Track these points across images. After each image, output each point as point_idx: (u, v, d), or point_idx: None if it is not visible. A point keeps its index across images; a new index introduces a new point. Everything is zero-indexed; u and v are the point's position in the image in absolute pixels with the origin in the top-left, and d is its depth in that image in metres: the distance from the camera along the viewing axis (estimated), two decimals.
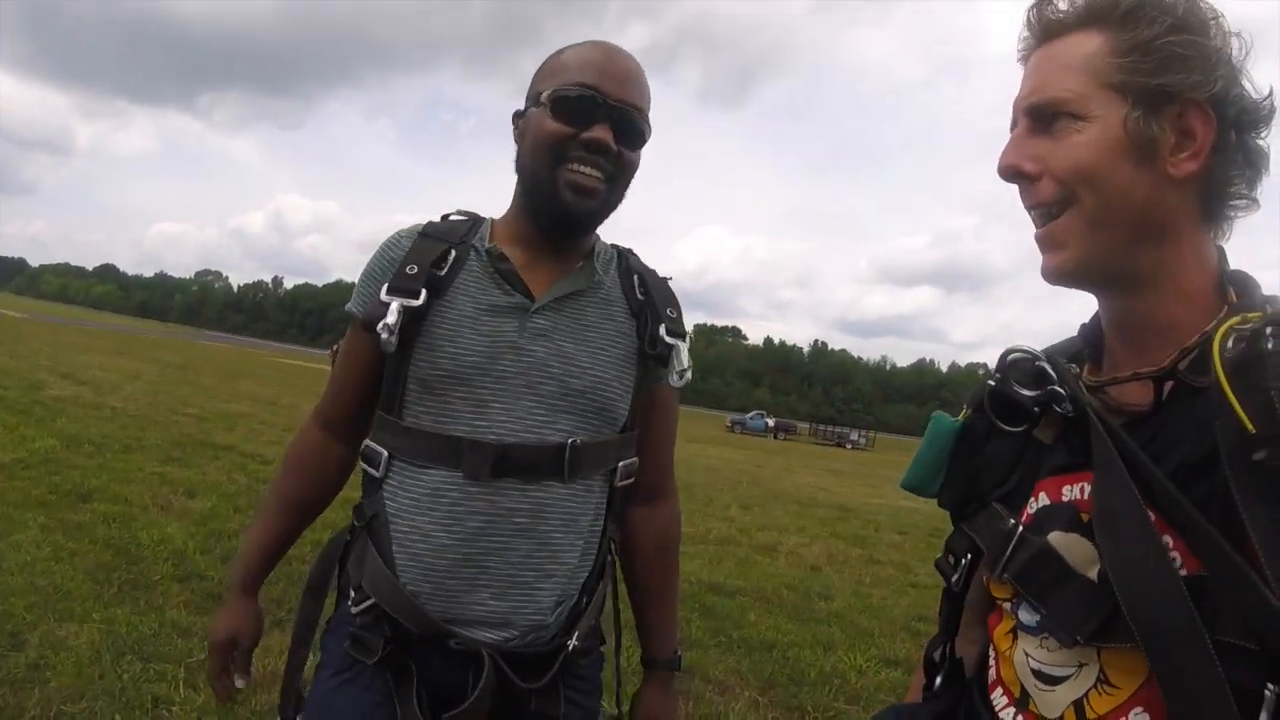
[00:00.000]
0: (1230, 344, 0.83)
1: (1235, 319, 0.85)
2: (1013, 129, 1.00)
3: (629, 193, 1.50)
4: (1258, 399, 0.76)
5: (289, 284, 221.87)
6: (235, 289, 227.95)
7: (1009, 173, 0.98)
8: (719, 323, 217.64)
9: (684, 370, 1.50)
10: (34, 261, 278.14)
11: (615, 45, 1.48)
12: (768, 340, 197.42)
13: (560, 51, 1.48)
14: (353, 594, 1.45)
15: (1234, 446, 0.78)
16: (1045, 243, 0.97)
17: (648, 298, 1.55)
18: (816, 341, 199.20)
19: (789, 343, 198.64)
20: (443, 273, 1.43)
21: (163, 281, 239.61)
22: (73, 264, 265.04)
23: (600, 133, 1.38)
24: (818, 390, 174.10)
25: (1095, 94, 0.91)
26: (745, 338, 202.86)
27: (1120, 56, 0.91)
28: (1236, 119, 0.91)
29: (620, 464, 1.53)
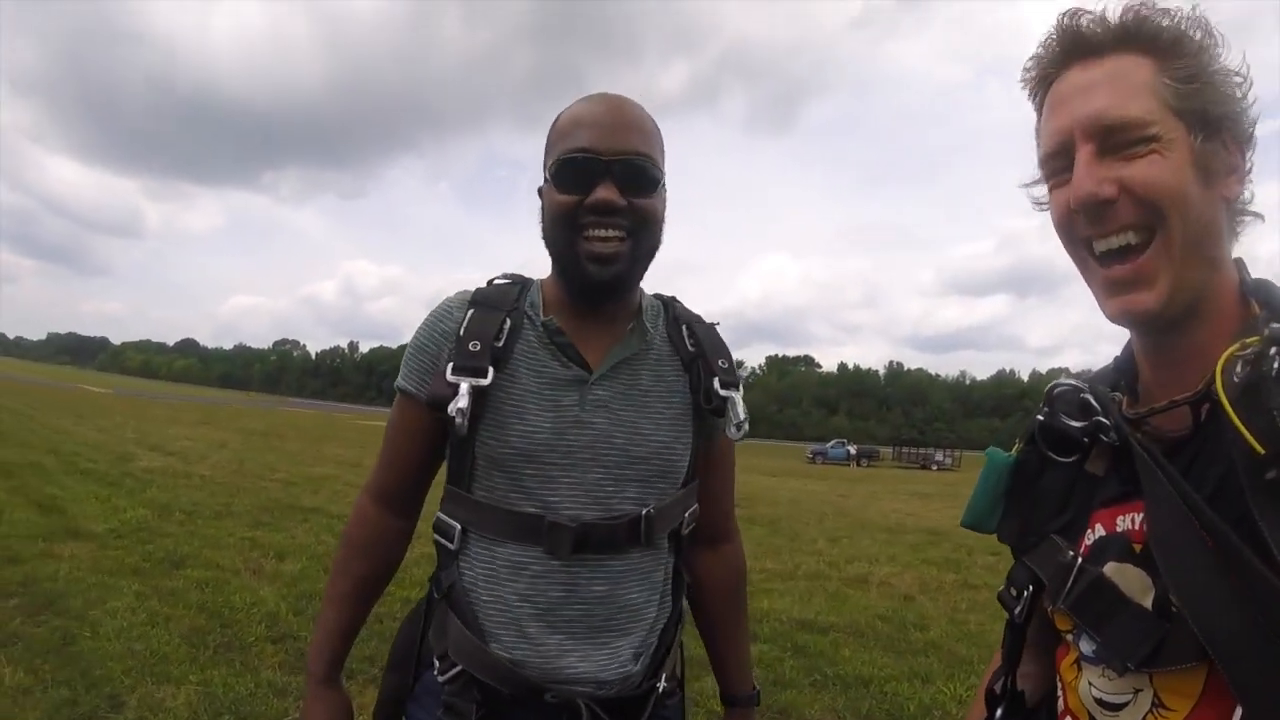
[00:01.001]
0: (1237, 368, 0.85)
1: (1236, 346, 0.87)
2: (1054, 153, 0.97)
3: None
4: (1263, 420, 0.79)
5: (364, 347, 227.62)
6: (313, 355, 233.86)
7: (1089, 201, 0.92)
8: (790, 352, 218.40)
9: (741, 422, 1.48)
10: (115, 339, 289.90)
11: (611, 95, 1.45)
12: (841, 366, 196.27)
13: (560, 114, 1.45)
14: (437, 663, 1.44)
15: (1247, 468, 0.81)
16: (1129, 282, 0.92)
17: (698, 349, 1.53)
18: (891, 362, 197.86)
19: (863, 366, 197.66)
20: (501, 344, 1.42)
21: (242, 353, 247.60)
22: (153, 340, 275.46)
23: (604, 193, 1.35)
24: (897, 412, 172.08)
25: (1164, 117, 0.90)
26: (818, 365, 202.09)
27: (1184, 83, 0.90)
28: (1250, 139, 0.95)
29: (686, 514, 1.54)
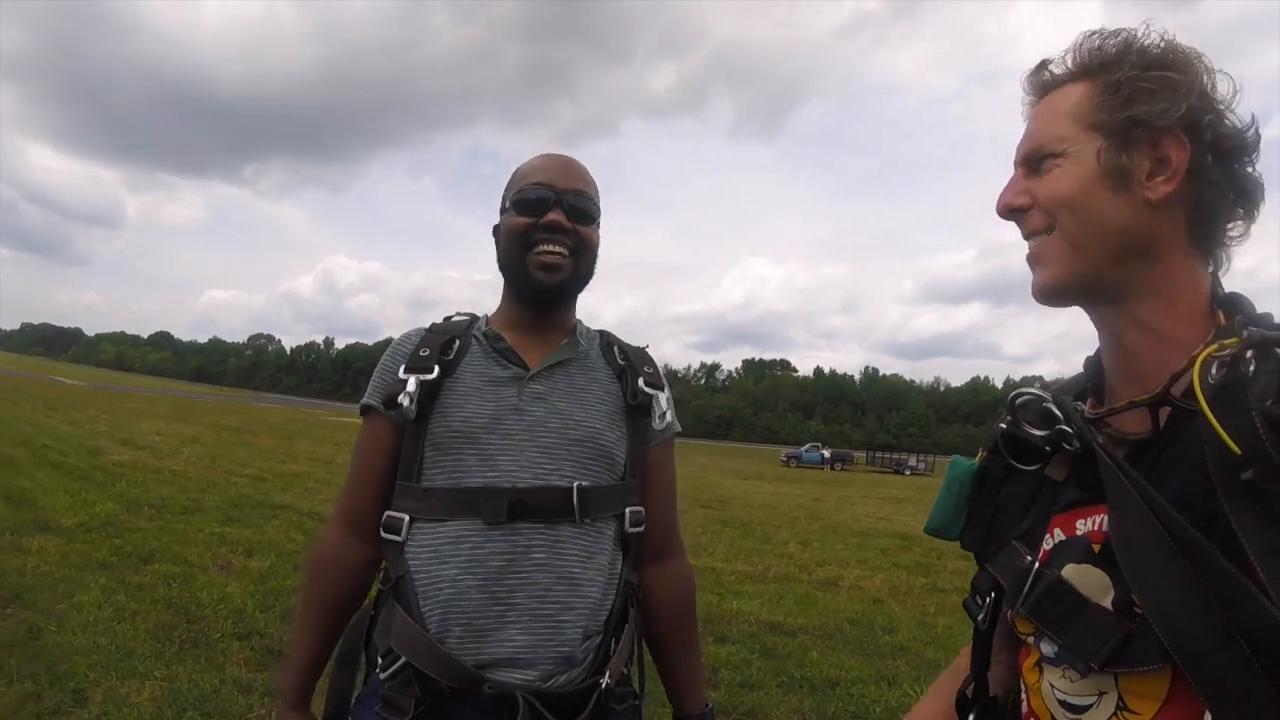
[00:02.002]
0: (1213, 370, 0.86)
1: (1214, 346, 0.88)
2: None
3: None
4: (1240, 421, 0.80)
5: (340, 344, 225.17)
6: (288, 351, 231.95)
7: (1005, 211, 1.06)
8: (767, 356, 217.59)
9: (664, 413, 1.68)
10: (90, 331, 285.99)
11: (559, 152, 1.73)
12: (818, 370, 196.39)
13: (519, 167, 1.71)
14: (380, 661, 1.51)
15: (1222, 469, 0.82)
16: (1031, 261, 1.04)
17: (627, 362, 1.74)
18: (867, 368, 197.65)
19: (839, 371, 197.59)
20: (450, 357, 1.62)
21: (216, 347, 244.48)
22: (128, 332, 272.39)
23: (555, 216, 1.61)
24: (872, 418, 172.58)
25: (1075, 134, 0.99)
26: (795, 369, 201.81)
27: (1097, 98, 0.98)
28: (1214, 144, 0.95)
29: (628, 510, 1.64)
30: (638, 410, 1.68)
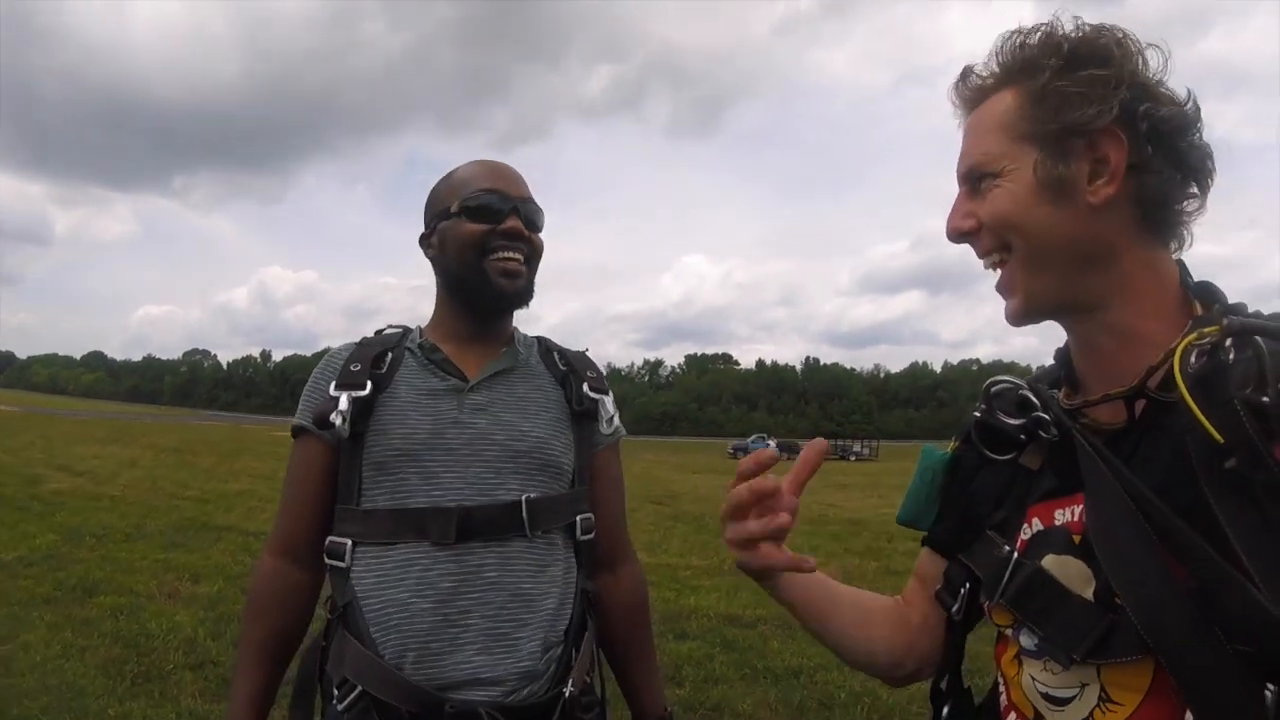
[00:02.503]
0: (1193, 359, 0.86)
1: (1193, 335, 0.88)
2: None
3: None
4: (1222, 410, 0.80)
5: (277, 356, 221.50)
6: (224, 366, 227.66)
7: (954, 235, 1.04)
8: (709, 350, 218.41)
9: (611, 418, 1.68)
10: (21, 354, 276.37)
11: (494, 159, 1.70)
12: (759, 362, 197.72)
13: (450, 174, 1.68)
14: (336, 691, 1.45)
15: (1205, 458, 0.81)
16: (1001, 292, 1.02)
17: (569, 367, 1.71)
18: (808, 358, 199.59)
19: (781, 362, 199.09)
20: (383, 370, 1.57)
21: (151, 364, 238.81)
22: (60, 353, 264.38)
23: (514, 223, 1.58)
24: (814, 406, 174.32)
25: (1009, 149, 0.97)
26: (737, 363, 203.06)
27: (1025, 109, 0.96)
28: (1152, 132, 0.92)
29: (578, 518, 1.61)
30: (583, 416, 1.66)
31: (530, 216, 1.61)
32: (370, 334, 1.69)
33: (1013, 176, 0.96)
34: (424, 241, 1.68)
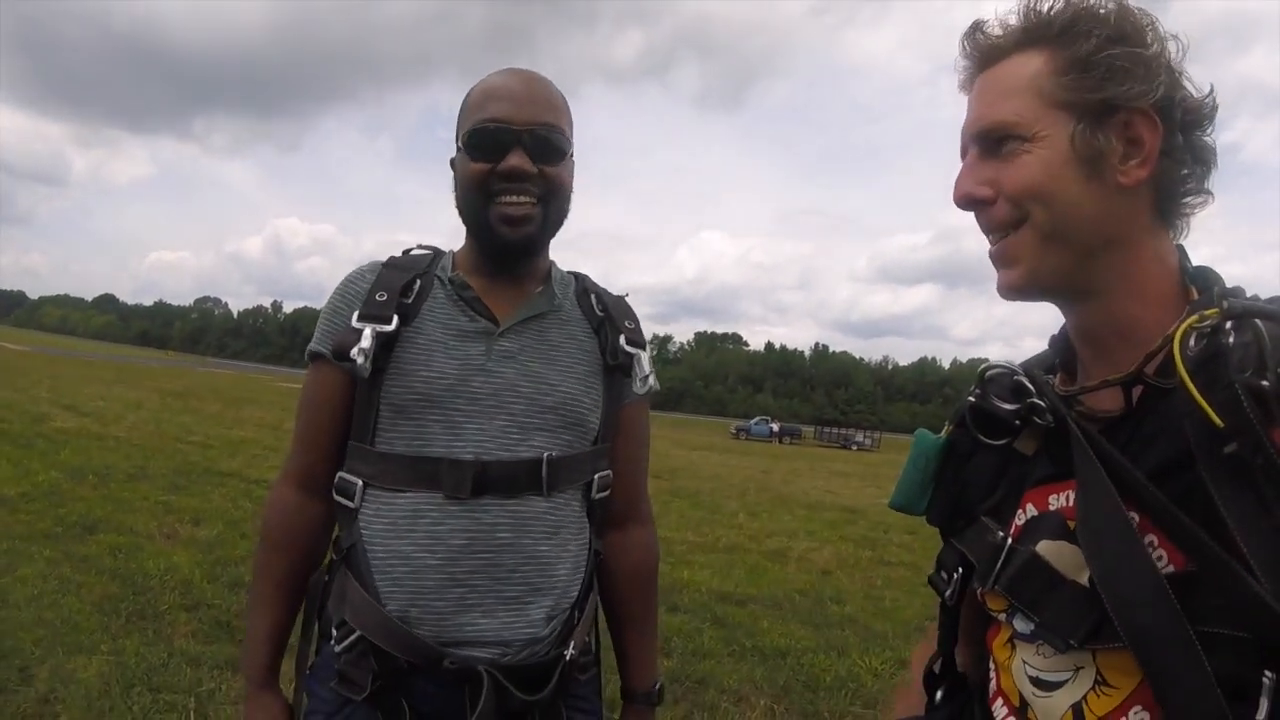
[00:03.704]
0: (1191, 343, 0.85)
1: (1193, 318, 0.87)
2: (963, 156, 1.02)
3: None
4: (1222, 394, 0.79)
5: (288, 308, 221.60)
6: (235, 315, 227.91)
7: (965, 201, 1.00)
8: (719, 329, 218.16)
9: (646, 376, 1.53)
10: (33, 294, 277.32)
11: (523, 69, 1.51)
12: (769, 345, 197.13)
13: (473, 88, 1.50)
14: (334, 632, 1.42)
15: (1204, 443, 0.80)
16: (998, 260, 1.00)
17: (606, 314, 1.58)
18: (818, 344, 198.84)
19: (790, 346, 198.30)
20: (410, 300, 1.45)
21: (162, 310, 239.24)
22: (72, 295, 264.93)
23: (516, 160, 1.40)
24: (820, 393, 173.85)
25: (1042, 113, 0.93)
26: (746, 344, 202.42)
27: (1063, 74, 0.92)
28: (1182, 121, 0.93)
29: (596, 475, 1.54)
30: (616, 370, 1.54)
31: (542, 147, 1.42)
32: (398, 254, 1.57)
33: (1046, 143, 0.93)
34: (452, 166, 1.53)
